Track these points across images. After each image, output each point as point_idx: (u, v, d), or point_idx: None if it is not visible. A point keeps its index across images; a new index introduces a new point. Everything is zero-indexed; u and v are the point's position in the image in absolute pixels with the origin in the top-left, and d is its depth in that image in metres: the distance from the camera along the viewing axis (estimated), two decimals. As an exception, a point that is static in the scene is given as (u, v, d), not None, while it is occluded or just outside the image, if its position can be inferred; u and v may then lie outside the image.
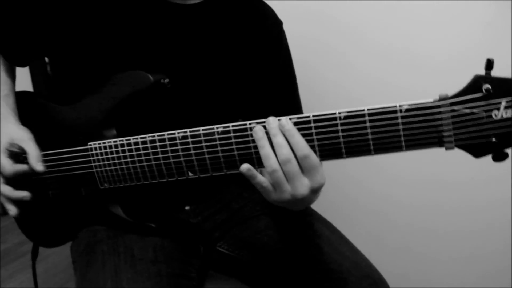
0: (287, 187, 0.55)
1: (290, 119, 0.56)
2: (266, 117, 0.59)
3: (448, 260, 1.19)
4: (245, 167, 0.56)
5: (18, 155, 0.72)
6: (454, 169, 1.05)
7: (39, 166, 0.70)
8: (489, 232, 1.11)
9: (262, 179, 0.57)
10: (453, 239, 1.17)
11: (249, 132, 0.58)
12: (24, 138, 0.72)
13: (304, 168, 0.55)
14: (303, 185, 0.55)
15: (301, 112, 0.86)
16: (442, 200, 1.15)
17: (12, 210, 0.73)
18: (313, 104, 1.00)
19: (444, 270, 1.21)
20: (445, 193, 1.13)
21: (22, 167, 0.71)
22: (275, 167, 0.54)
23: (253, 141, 0.58)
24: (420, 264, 1.23)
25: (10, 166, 0.70)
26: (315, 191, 0.57)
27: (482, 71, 0.50)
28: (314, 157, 0.54)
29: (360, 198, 1.25)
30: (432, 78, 1.04)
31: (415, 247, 1.22)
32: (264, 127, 0.56)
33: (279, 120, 0.55)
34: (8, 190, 0.72)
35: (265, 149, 0.55)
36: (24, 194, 0.72)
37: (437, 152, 0.55)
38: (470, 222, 1.13)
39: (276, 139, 0.54)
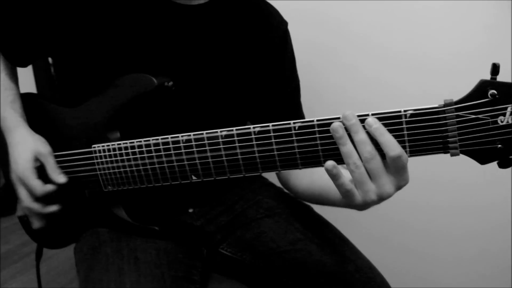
0: (370, 186, 0.52)
1: (294, 123, 0.56)
2: (269, 119, 0.59)
3: (449, 261, 1.19)
4: (330, 163, 0.52)
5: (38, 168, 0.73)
6: (456, 170, 1.05)
7: (61, 179, 0.71)
8: (489, 233, 1.11)
9: (346, 180, 0.53)
10: (454, 240, 1.17)
11: (253, 136, 0.58)
12: (46, 153, 0.72)
13: (394, 167, 0.52)
14: (389, 183, 0.52)
15: (302, 114, 0.86)
16: (443, 201, 1.15)
17: (36, 224, 0.75)
18: (317, 107, 1.00)
19: (445, 271, 1.21)
20: (446, 194, 1.13)
21: (50, 187, 0.71)
22: (358, 163, 0.51)
23: (257, 145, 0.58)
24: (422, 265, 1.23)
25: (40, 188, 0.70)
26: (399, 189, 0.54)
27: (485, 72, 0.50)
28: (405, 156, 0.51)
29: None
30: (435, 80, 1.04)
31: (416, 248, 1.22)
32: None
33: (364, 119, 0.52)
34: (38, 207, 0.73)
35: (347, 146, 0.52)
36: (53, 208, 0.73)
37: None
38: (471, 223, 1.13)
39: (359, 136, 0.51)
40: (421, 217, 1.19)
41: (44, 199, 0.72)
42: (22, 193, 0.72)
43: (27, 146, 0.72)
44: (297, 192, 0.82)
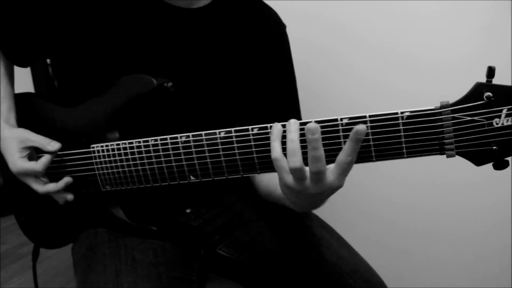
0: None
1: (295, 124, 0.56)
2: (267, 120, 0.59)
3: (448, 262, 1.19)
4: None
5: (32, 154, 0.73)
6: (453, 171, 1.06)
7: (52, 146, 0.71)
8: (489, 234, 1.12)
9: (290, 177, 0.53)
10: (452, 241, 1.17)
11: (251, 137, 0.58)
12: (25, 137, 0.72)
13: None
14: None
15: (299, 116, 0.87)
16: (441, 202, 1.15)
17: (69, 196, 0.74)
18: (315, 108, 1.00)
19: (444, 272, 1.21)
20: (444, 195, 1.14)
21: (46, 157, 0.71)
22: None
23: (255, 146, 0.58)
24: (420, 266, 1.23)
25: (36, 164, 0.70)
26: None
27: (481, 74, 0.51)
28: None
29: (360, 200, 1.26)
30: (432, 82, 1.05)
31: (414, 249, 1.23)
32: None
33: (358, 122, 0.52)
34: (53, 185, 0.72)
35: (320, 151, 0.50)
36: (67, 179, 0.73)
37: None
38: (470, 224, 1.13)
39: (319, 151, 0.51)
40: (419, 218, 1.19)
41: (54, 179, 0.73)
42: (32, 184, 0.73)
43: (9, 145, 0.73)
44: (259, 189, 0.84)
